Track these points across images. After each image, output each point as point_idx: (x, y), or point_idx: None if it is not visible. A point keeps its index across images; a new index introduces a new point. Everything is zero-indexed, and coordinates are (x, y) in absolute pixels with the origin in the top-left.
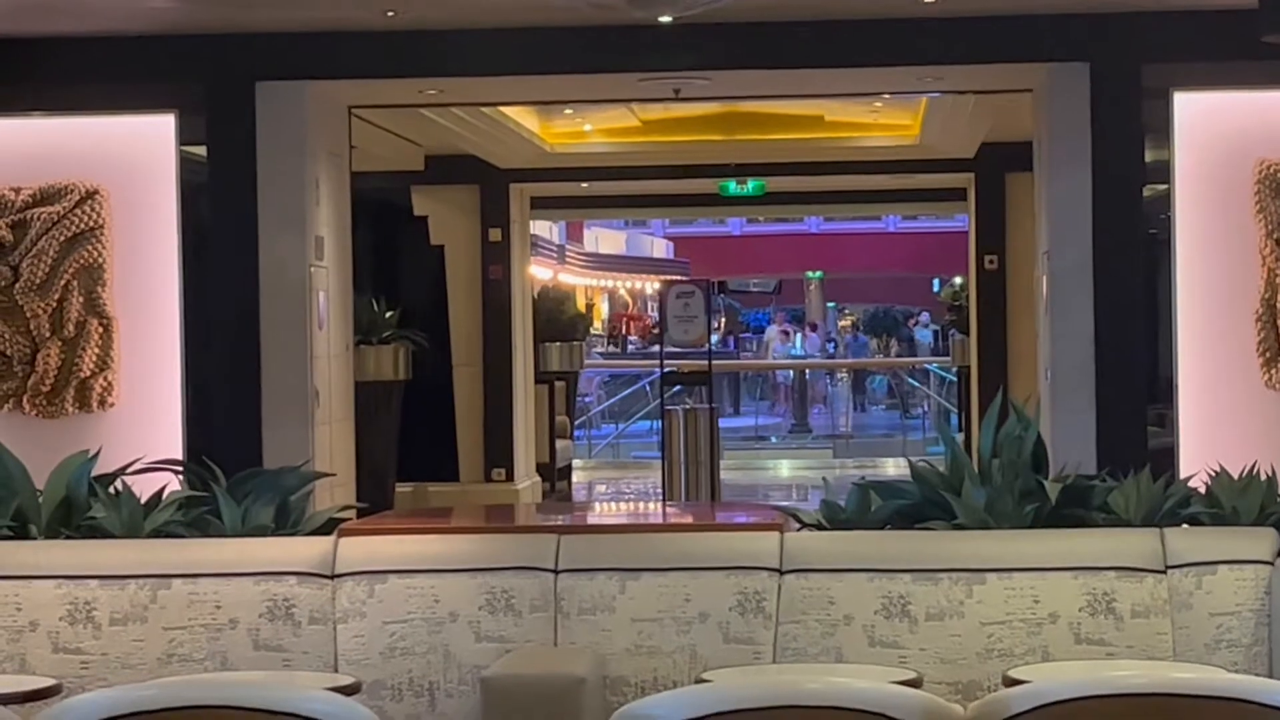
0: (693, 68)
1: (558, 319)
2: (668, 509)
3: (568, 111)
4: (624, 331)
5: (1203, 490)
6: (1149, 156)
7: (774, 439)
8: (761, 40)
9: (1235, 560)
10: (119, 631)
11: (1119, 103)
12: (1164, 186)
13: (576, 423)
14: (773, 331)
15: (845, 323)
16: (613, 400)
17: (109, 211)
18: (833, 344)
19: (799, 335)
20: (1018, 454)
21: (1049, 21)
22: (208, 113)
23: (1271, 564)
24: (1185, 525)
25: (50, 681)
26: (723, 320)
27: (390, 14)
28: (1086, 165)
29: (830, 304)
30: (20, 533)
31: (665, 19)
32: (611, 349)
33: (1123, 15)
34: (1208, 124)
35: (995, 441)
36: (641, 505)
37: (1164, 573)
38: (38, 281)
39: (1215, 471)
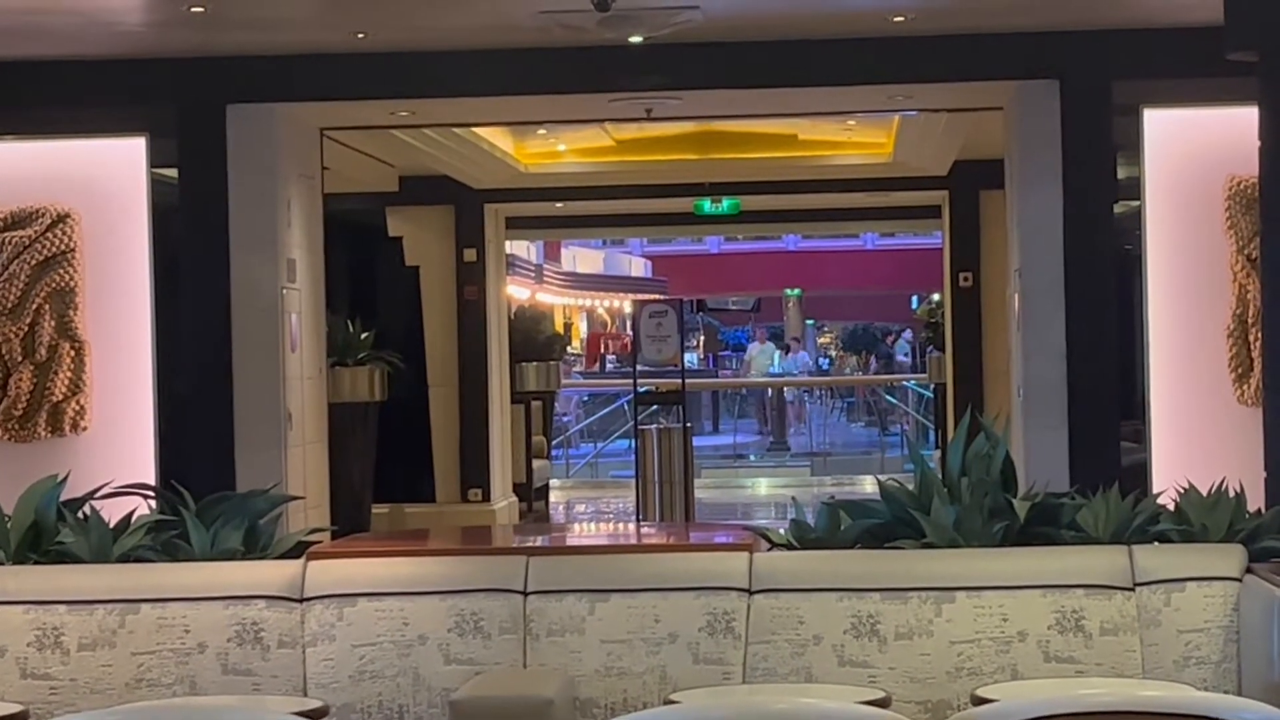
0: (664, 88)
1: (534, 339)
2: (638, 529)
3: (541, 132)
4: (602, 350)
5: (1172, 507)
6: (1120, 173)
7: (752, 457)
8: (732, 60)
9: (1204, 577)
10: (87, 657)
11: (1089, 119)
12: (1135, 203)
13: (554, 442)
14: (769, 348)
15: (824, 340)
16: (591, 419)
17: (80, 235)
18: (826, 360)
19: (777, 354)
20: (986, 472)
21: (1019, 39)
22: (179, 136)
23: (1240, 580)
24: (1154, 542)
25: (18, 707)
26: (702, 339)
27: (360, 36)
28: (1057, 182)
29: (809, 321)
30: None
31: (636, 39)
32: (593, 369)
33: (1092, 33)
34: (1178, 140)
35: (964, 460)
36: (612, 526)
37: (1133, 590)
38: (9, 305)
39: (1184, 488)
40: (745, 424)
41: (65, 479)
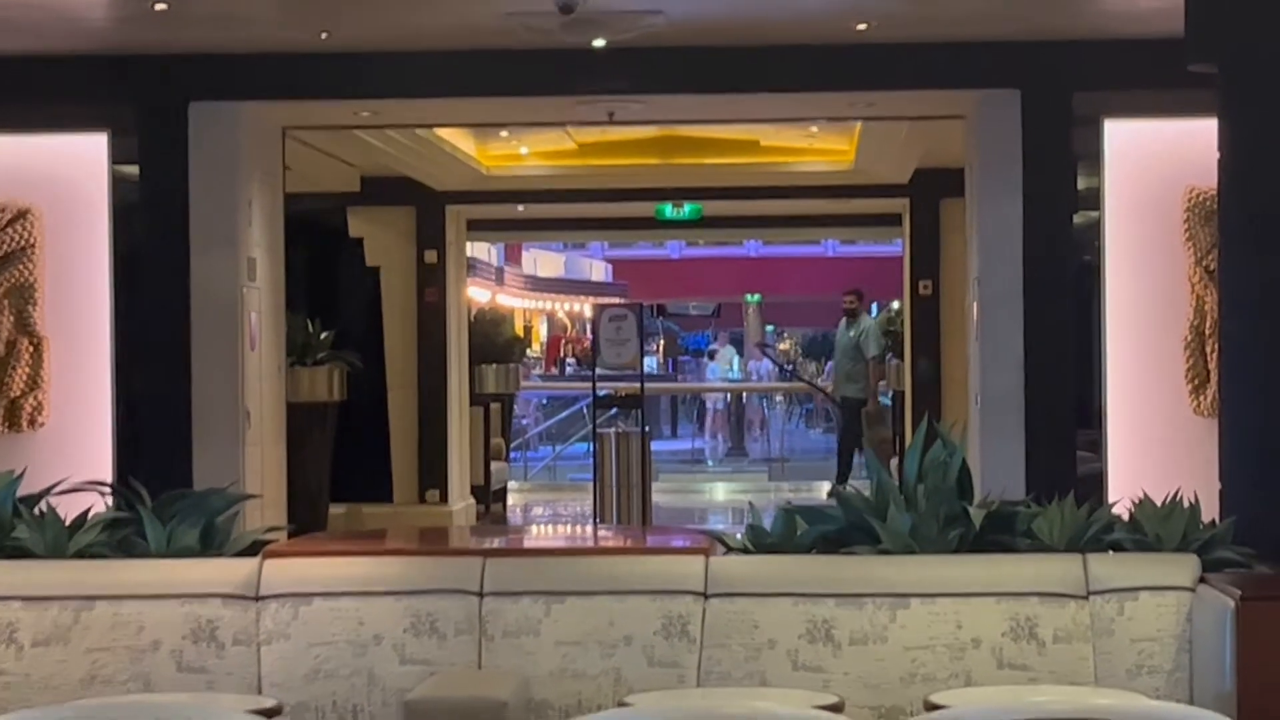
0: (627, 91)
1: (494, 341)
2: (595, 532)
3: (503, 134)
4: (562, 354)
5: (1126, 516)
6: (1080, 183)
7: (710, 462)
8: (695, 65)
9: (1157, 586)
10: (41, 653)
11: (1050, 130)
12: (1094, 213)
13: (513, 445)
14: (730, 352)
15: (784, 346)
16: (550, 422)
17: (40, 231)
18: (791, 366)
19: (736, 359)
20: (943, 479)
21: (981, 49)
22: (140, 133)
23: (1193, 590)
24: (1109, 551)
25: None
26: (661, 343)
27: (324, 35)
28: (1018, 192)
29: (769, 327)
30: None
31: (599, 43)
32: (552, 372)
33: (1054, 43)
34: (1138, 151)
35: (921, 467)
36: (569, 528)
37: (1086, 598)
38: None
39: (1139, 498)
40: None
41: (22, 475)
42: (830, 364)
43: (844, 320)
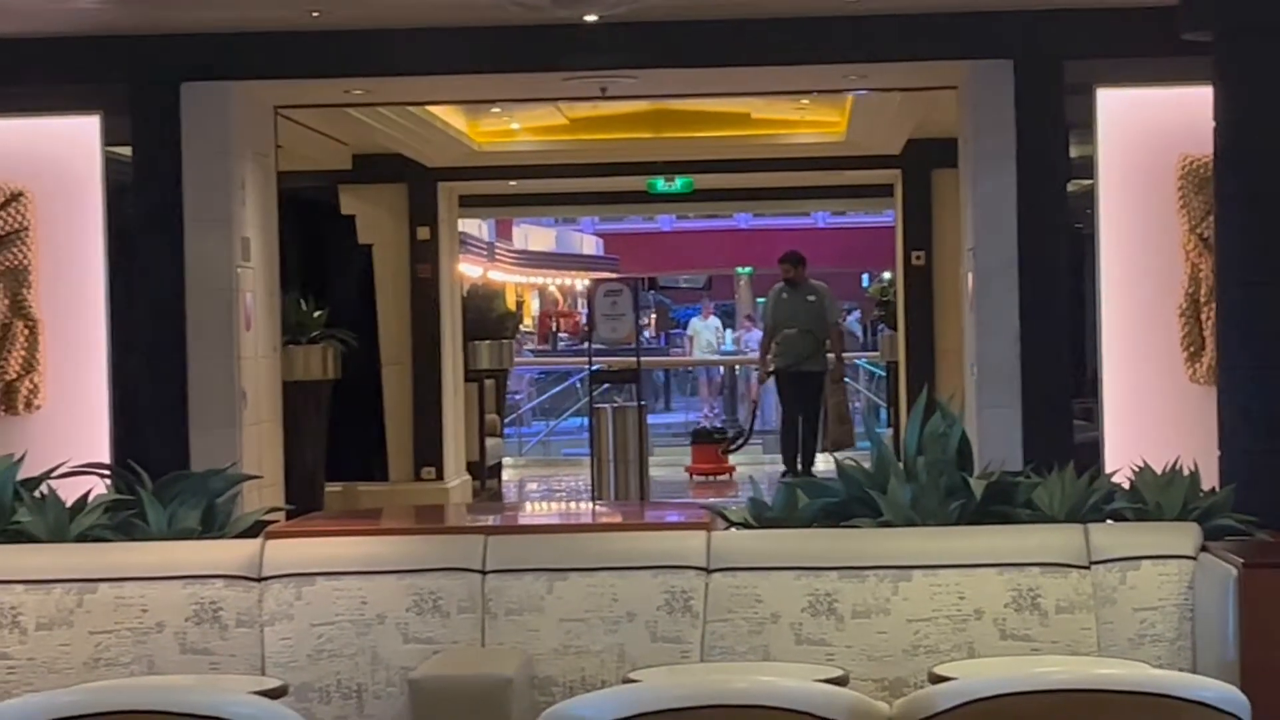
0: (619, 66)
1: (487, 317)
2: (596, 508)
3: (495, 110)
4: (554, 328)
5: (1126, 485)
6: (1073, 152)
7: None
8: (687, 39)
9: (1158, 555)
10: (45, 636)
11: (1043, 99)
12: (1088, 182)
13: (507, 420)
14: (696, 324)
15: None
16: (543, 398)
17: (34, 213)
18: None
19: (729, 331)
20: (943, 451)
21: (972, 19)
22: (133, 113)
23: (1194, 559)
24: (1109, 521)
25: None
26: (654, 317)
27: (315, 14)
28: (1011, 161)
29: (760, 299)
30: None
31: (590, 18)
32: (544, 347)
33: (1046, 12)
34: (1131, 120)
35: (920, 439)
36: (570, 505)
37: (1088, 568)
38: None
39: (1139, 467)
40: (697, 402)
41: (22, 458)
42: (756, 335)
43: (782, 285)
